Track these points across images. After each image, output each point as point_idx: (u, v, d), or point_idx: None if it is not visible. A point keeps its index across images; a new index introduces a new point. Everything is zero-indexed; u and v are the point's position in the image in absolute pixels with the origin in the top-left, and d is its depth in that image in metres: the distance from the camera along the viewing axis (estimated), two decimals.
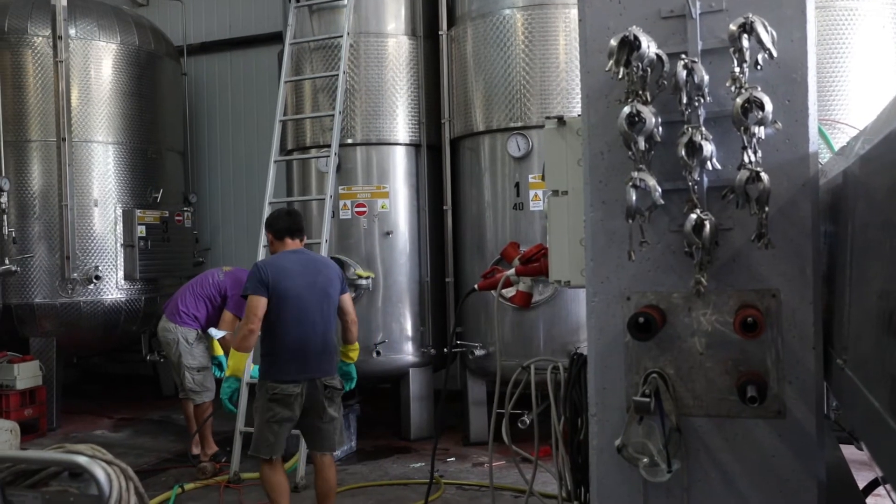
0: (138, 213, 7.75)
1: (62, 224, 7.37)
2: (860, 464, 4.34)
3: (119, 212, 7.70)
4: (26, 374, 6.93)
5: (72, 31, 7.51)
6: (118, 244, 7.67)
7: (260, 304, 4.12)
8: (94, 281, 7.42)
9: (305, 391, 4.18)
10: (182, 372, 5.97)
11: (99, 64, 7.68)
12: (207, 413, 6.00)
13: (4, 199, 6.48)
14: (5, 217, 6.63)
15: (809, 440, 2.45)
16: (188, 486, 5.44)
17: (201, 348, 6.01)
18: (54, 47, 7.36)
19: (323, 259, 4.64)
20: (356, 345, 4.65)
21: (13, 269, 6.60)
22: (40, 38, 7.40)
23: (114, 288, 7.61)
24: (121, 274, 7.66)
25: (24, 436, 6.02)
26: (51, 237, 7.39)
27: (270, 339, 4.21)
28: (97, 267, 7.48)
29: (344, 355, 4.59)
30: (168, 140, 8.42)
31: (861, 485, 3.03)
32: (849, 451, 3.62)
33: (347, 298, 4.54)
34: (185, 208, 8.53)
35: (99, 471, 2.59)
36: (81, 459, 2.64)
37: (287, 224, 4.44)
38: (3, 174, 6.82)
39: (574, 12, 6.03)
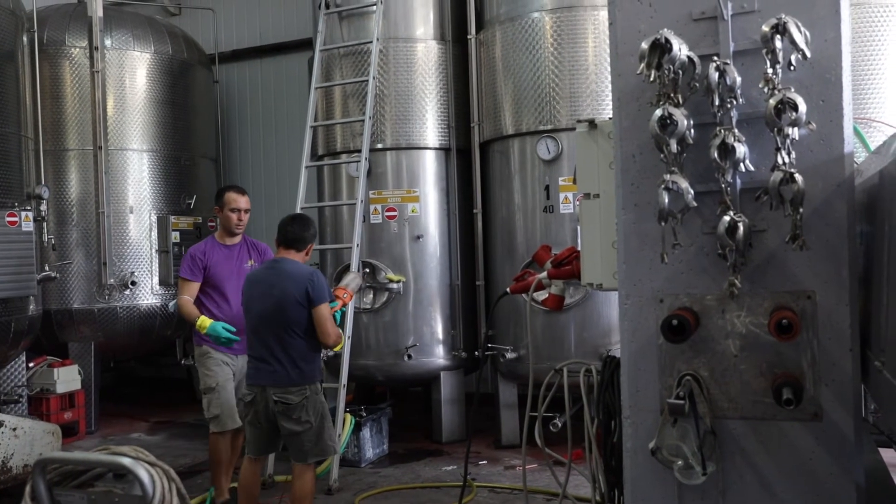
0: (172, 219, 7.88)
1: (99, 231, 7.52)
2: None
3: (154, 218, 7.83)
4: (66, 378, 7.07)
5: (107, 42, 7.66)
6: (153, 250, 7.80)
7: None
8: (130, 286, 7.56)
9: (261, 400, 4.28)
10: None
11: (134, 73, 7.83)
12: (222, 451, 5.03)
13: (44, 206, 6.62)
14: (45, 224, 6.77)
15: (847, 443, 2.42)
16: None
17: (209, 363, 5.05)
18: (91, 58, 7.51)
19: (291, 270, 4.32)
20: (336, 348, 4.68)
21: (52, 275, 6.74)
22: (77, 49, 7.56)
23: (149, 293, 7.74)
24: (156, 279, 7.79)
25: (64, 438, 6.13)
26: (88, 244, 7.54)
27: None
28: (133, 272, 7.62)
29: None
30: (201, 147, 8.55)
31: None
32: (888, 454, 3.57)
33: (320, 311, 4.25)
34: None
35: (143, 472, 2.65)
36: (126, 461, 2.70)
37: (287, 234, 4.42)
38: (43, 182, 6.98)
39: (603, 14, 6.02)
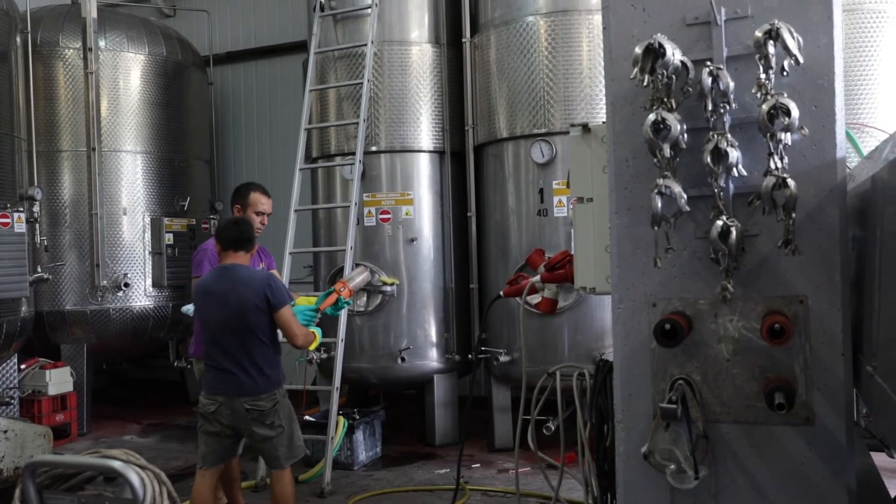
0: (166, 221, 7.86)
1: (92, 232, 7.49)
2: (891, 471, 4.29)
3: (147, 220, 7.81)
4: (58, 380, 7.04)
5: (101, 43, 7.65)
6: (146, 252, 7.78)
7: None
8: (123, 288, 7.53)
9: (227, 406, 4.11)
10: None
11: (128, 75, 7.82)
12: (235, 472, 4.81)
13: (37, 208, 6.60)
14: (38, 226, 6.75)
15: (839, 447, 2.43)
16: None
17: None
18: (84, 59, 7.50)
19: (246, 275, 4.22)
20: (310, 346, 4.45)
21: (45, 276, 6.72)
22: (71, 51, 7.55)
23: (142, 295, 7.72)
24: (149, 281, 7.77)
25: (56, 441, 6.12)
26: (81, 245, 7.52)
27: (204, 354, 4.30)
28: (126, 274, 7.59)
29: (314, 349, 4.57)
30: (195, 149, 8.53)
31: (893, 493, 2.99)
32: (879, 458, 3.58)
33: (283, 314, 4.17)
34: (212, 216, 8.63)
35: (133, 475, 2.64)
36: (116, 464, 2.69)
37: (233, 235, 4.28)
38: (36, 184, 6.96)
39: (597, 19, 6.03)
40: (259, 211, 4.85)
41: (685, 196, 2.39)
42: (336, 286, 4.80)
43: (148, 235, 7.79)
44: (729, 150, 2.34)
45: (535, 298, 3.84)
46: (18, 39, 6.68)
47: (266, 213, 4.91)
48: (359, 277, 5.06)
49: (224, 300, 4.14)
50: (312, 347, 4.65)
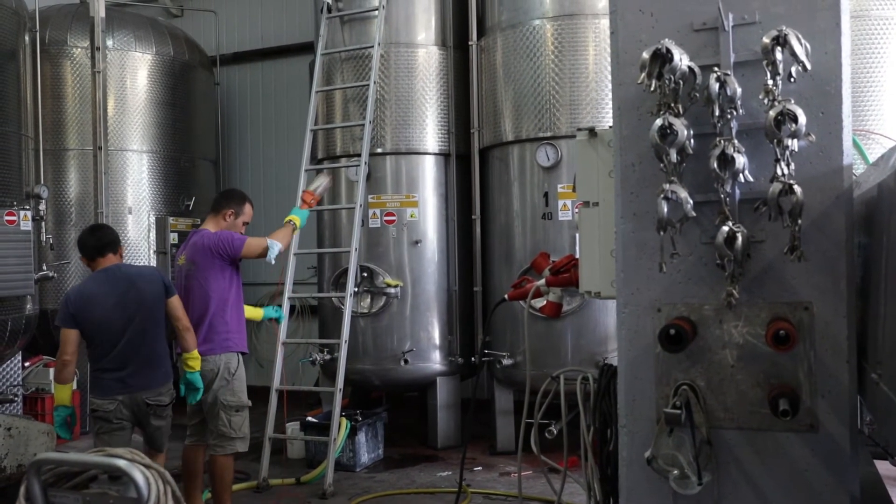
0: (171, 220, 7.88)
1: None
2: (895, 479, 4.27)
3: (152, 219, 7.84)
4: None
5: (109, 43, 7.68)
6: (151, 251, 7.81)
7: (70, 336, 4.23)
8: None
9: (127, 405, 4.25)
10: (217, 413, 4.68)
11: (135, 74, 7.85)
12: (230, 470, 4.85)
13: (43, 206, 6.62)
14: (43, 224, 6.77)
15: (843, 455, 2.42)
16: None
17: (243, 377, 4.79)
18: (92, 58, 7.51)
19: (137, 271, 4.45)
20: (194, 353, 4.44)
21: (50, 274, 6.74)
22: (79, 50, 7.58)
23: None
24: None
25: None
26: None
27: (90, 360, 4.34)
28: None
29: (184, 364, 4.48)
30: (200, 149, 8.56)
31: None
32: (883, 466, 3.57)
33: (174, 302, 4.37)
34: None
35: (138, 474, 2.65)
36: (121, 463, 2.70)
37: (93, 243, 4.36)
38: (42, 182, 6.98)
39: (604, 23, 6.04)
40: (246, 222, 5.11)
41: (691, 201, 2.38)
42: (303, 196, 5.42)
43: (153, 235, 7.82)
44: (735, 155, 2.33)
45: (539, 302, 3.84)
46: (27, 38, 6.71)
47: (247, 224, 5.17)
48: (322, 186, 5.65)
49: (123, 300, 4.23)
50: (260, 317, 5.38)
